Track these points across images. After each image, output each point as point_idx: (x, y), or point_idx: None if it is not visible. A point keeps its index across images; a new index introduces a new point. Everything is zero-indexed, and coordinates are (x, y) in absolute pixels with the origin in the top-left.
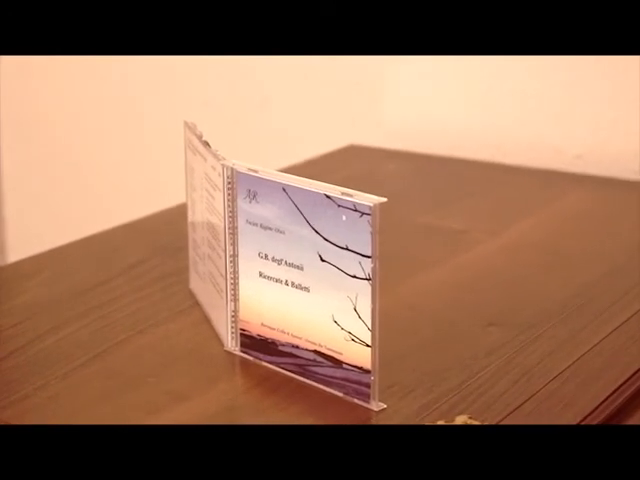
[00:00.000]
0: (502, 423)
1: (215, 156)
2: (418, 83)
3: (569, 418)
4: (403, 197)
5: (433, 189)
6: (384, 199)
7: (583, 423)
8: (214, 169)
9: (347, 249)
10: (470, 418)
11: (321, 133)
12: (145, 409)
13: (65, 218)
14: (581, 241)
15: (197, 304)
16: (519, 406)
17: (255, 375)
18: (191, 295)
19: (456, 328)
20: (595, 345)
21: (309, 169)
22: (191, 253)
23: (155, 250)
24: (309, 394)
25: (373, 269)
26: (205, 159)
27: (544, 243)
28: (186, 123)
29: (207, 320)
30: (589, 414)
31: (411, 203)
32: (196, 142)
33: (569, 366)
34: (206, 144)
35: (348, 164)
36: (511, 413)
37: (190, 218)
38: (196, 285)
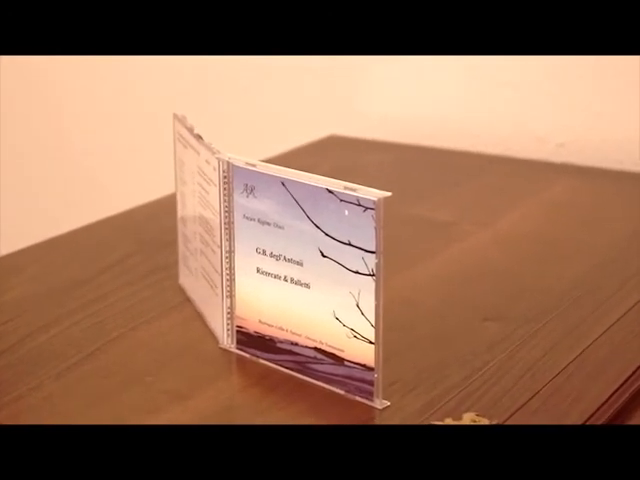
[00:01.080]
0: (509, 420)
1: (210, 149)
2: (397, 73)
3: (576, 415)
4: (389, 189)
5: (418, 180)
6: (388, 193)
7: (591, 420)
8: (208, 163)
9: (349, 244)
10: (477, 415)
11: (299, 124)
12: (144, 409)
13: (45, 212)
14: (572, 232)
15: (188, 300)
16: (525, 403)
17: (253, 373)
18: (181, 291)
19: (453, 323)
20: (596, 339)
21: (291, 161)
22: (181, 248)
23: (140, 245)
24: (309, 392)
25: (377, 265)
26: (198, 152)
27: (535, 234)
28: (175, 116)
29: (199, 316)
30: (596, 411)
31: (398, 195)
32: (187, 135)
33: (572, 361)
34: (199, 137)
35: (330, 155)
36: (518, 410)
37: (180, 212)
38: (187, 280)
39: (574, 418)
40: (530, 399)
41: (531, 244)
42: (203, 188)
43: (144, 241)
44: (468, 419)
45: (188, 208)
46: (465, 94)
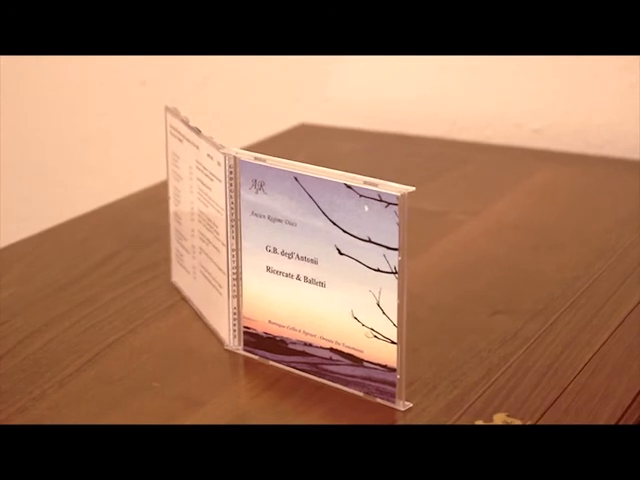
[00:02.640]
0: (541, 421)
1: (213, 144)
2: (366, 59)
3: (609, 412)
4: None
5: (397, 169)
6: (412, 188)
7: (623, 418)
8: (211, 158)
9: (369, 241)
10: (508, 416)
11: (267, 113)
12: (158, 417)
13: (16, 209)
14: (563, 220)
15: (183, 299)
16: (554, 401)
17: (264, 376)
18: (174, 289)
19: (461, 317)
20: (613, 332)
21: (264, 151)
22: (174, 245)
23: (124, 242)
24: (326, 395)
25: (400, 262)
26: (197, 147)
27: (526, 222)
28: (167, 108)
29: (198, 317)
30: (629, 406)
31: None
32: (183, 128)
33: (593, 356)
34: (197, 131)
35: (303, 145)
36: (548, 409)
37: (173, 208)
38: (181, 279)
39: (608, 415)
40: (558, 397)
41: (524, 233)
42: (204, 184)
43: (127, 238)
44: (500, 420)
45: (183, 204)
46: (439, 80)
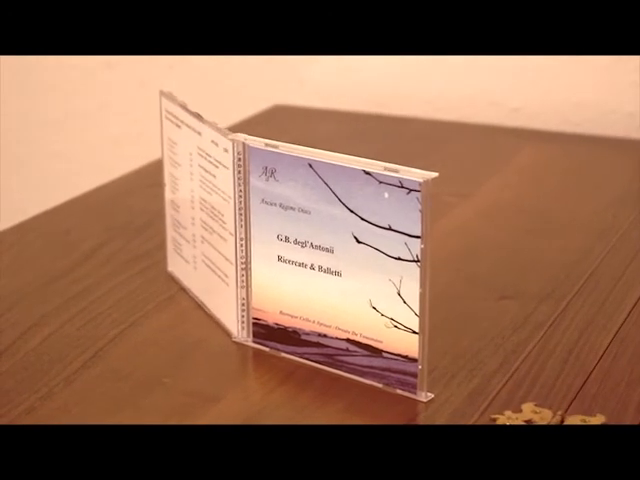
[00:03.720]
0: (571, 409)
1: (219, 130)
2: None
3: (637, 399)
4: None
5: (383, 151)
6: (435, 174)
7: None
8: (216, 144)
9: (390, 229)
10: (537, 406)
11: (239, 94)
12: (174, 414)
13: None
14: (556, 200)
15: (182, 290)
16: (580, 388)
17: (277, 369)
18: (171, 279)
19: (469, 303)
20: (628, 315)
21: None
22: (171, 234)
23: (111, 231)
24: (344, 387)
25: (423, 250)
26: (199, 133)
27: (518, 204)
28: (162, 92)
29: (200, 308)
30: None
31: None
32: (181, 113)
33: (612, 340)
34: (198, 116)
35: (281, 127)
36: (576, 397)
37: (169, 196)
38: (179, 269)
39: (636, 403)
40: (584, 384)
41: (518, 215)
42: (207, 171)
43: (115, 226)
44: (528, 410)
45: (182, 191)
46: (413, 60)
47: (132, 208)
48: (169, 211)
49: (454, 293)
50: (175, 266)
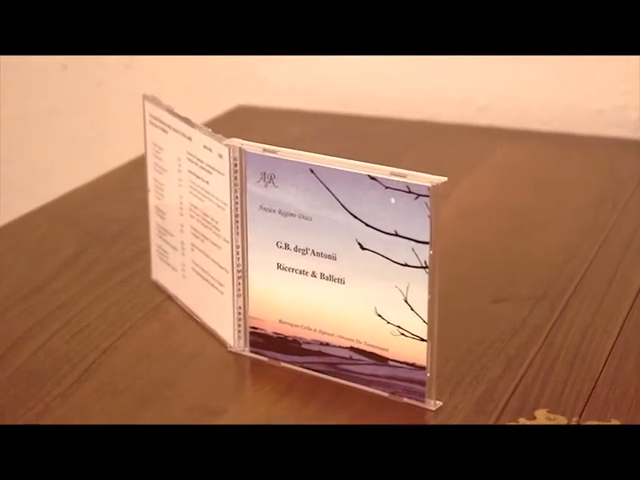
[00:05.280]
0: (584, 414)
1: (212, 135)
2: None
3: None
4: None
5: (355, 152)
6: (444, 178)
7: None
8: (209, 150)
9: (396, 235)
10: (549, 412)
11: (198, 95)
12: None
13: None
14: (534, 199)
15: (169, 298)
16: (590, 393)
17: (278, 379)
18: (156, 288)
19: (462, 307)
20: (627, 316)
21: None
22: (155, 241)
23: (86, 239)
24: (349, 397)
25: (431, 256)
26: (189, 138)
27: (496, 204)
28: (146, 97)
29: (189, 317)
30: None
31: None
32: (167, 118)
33: (615, 343)
34: (188, 121)
35: (246, 128)
36: (587, 402)
37: (154, 202)
38: (165, 277)
39: None
40: (593, 389)
41: (499, 215)
42: (199, 177)
43: (89, 234)
44: (542, 417)
45: (169, 198)
46: (376, 59)
47: (103, 214)
48: (154, 218)
49: (446, 297)
50: (160, 274)
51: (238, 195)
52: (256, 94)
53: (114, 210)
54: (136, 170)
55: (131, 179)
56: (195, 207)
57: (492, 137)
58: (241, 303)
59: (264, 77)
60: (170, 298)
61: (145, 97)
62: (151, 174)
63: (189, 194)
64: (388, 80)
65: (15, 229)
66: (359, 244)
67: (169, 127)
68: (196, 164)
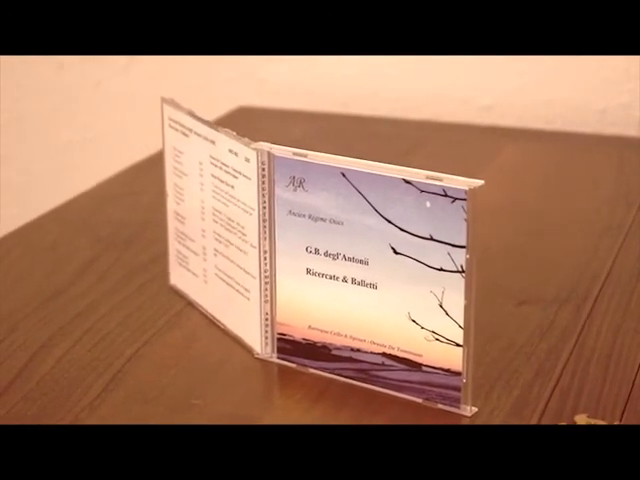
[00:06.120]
0: (624, 419)
1: (238, 139)
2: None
3: None
4: None
5: (362, 152)
6: (481, 181)
7: None
8: (235, 154)
9: (431, 239)
10: (589, 417)
11: (198, 95)
12: None
13: None
14: (546, 199)
15: (190, 304)
16: (628, 397)
17: (308, 386)
18: (175, 294)
19: (488, 310)
20: None
21: None
22: (174, 246)
23: (99, 244)
24: (382, 403)
25: (468, 260)
26: (213, 141)
27: (511, 205)
28: (164, 99)
29: (212, 323)
30: None
31: None
32: (189, 121)
33: None
34: (212, 124)
35: (249, 129)
36: (626, 406)
37: (173, 207)
38: (185, 283)
39: None
40: (630, 392)
41: (512, 217)
42: (222, 181)
43: (100, 239)
44: (583, 422)
45: (190, 202)
46: (376, 58)
47: (112, 219)
48: (172, 222)
49: None
50: (179, 279)
51: (266, 200)
52: (256, 94)
53: (123, 215)
54: (140, 173)
55: (135, 183)
56: (219, 212)
57: (497, 137)
58: (268, 309)
59: (264, 77)
60: (190, 304)
61: (164, 100)
62: (170, 178)
63: (212, 198)
64: (389, 80)
65: (26, 235)
66: (392, 248)
67: (190, 130)
68: (220, 168)
